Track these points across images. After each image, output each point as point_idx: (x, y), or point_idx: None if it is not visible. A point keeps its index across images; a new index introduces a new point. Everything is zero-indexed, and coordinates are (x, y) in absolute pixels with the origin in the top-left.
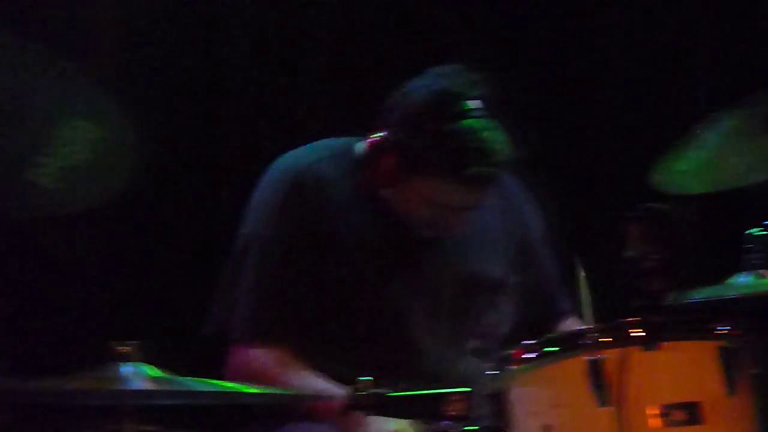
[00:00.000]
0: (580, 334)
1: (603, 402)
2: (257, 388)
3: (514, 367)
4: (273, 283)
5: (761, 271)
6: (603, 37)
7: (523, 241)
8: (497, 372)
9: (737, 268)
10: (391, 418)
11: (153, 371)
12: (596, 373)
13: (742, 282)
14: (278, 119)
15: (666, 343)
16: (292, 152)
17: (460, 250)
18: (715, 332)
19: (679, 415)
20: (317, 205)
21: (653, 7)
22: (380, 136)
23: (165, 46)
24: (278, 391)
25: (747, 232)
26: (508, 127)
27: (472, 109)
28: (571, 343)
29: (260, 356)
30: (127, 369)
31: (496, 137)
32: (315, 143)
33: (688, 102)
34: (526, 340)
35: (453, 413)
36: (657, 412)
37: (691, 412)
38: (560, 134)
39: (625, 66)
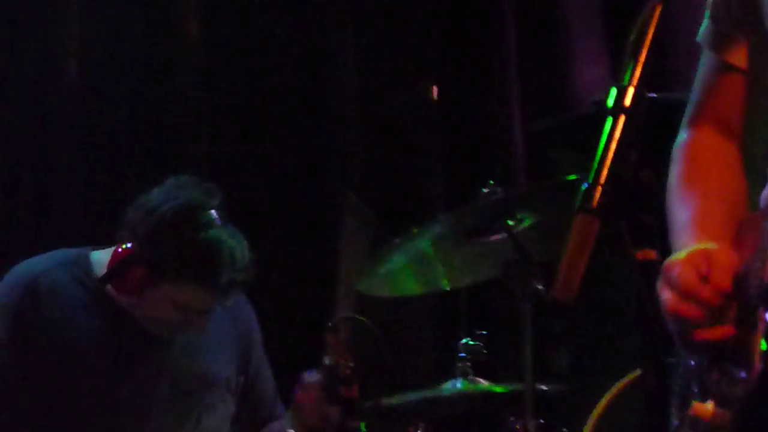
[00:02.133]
0: None
1: None
2: None
3: None
4: (6, 385)
5: (471, 377)
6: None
7: (248, 347)
8: None
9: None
10: None
11: None
12: None
13: (453, 386)
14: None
15: None
16: (28, 260)
17: (192, 348)
18: None
19: None
20: (50, 309)
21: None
22: (126, 248)
23: None
24: None
25: (460, 341)
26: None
27: (213, 219)
28: None
29: None
30: None
31: (240, 244)
32: (51, 252)
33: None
34: None
35: None
36: None
37: None
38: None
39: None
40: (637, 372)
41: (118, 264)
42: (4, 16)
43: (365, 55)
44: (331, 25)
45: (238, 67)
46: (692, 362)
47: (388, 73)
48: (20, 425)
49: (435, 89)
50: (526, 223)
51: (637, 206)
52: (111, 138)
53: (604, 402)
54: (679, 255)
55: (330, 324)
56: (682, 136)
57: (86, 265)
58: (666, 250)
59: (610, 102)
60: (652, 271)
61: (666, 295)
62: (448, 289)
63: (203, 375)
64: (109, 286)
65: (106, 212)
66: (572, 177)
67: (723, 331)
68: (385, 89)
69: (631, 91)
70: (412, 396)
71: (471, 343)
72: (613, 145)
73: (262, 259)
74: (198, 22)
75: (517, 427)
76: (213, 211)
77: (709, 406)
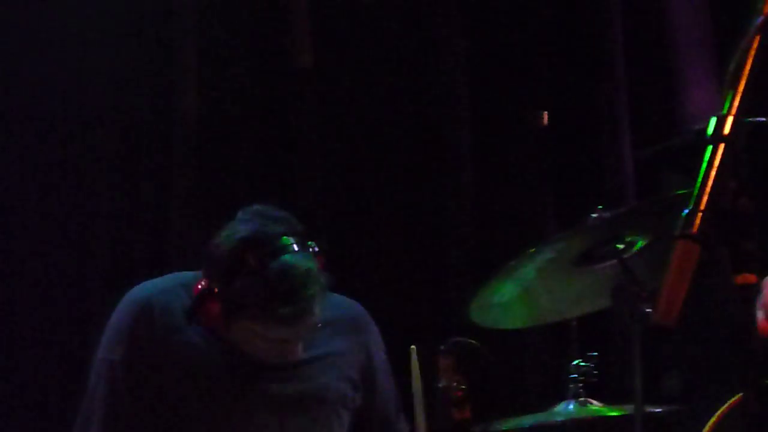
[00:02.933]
0: None
1: None
2: None
3: None
4: (121, 403)
5: (583, 398)
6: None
7: (367, 365)
8: None
9: (563, 397)
10: None
11: None
12: None
13: (566, 409)
14: None
15: None
16: (144, 282)
17: (303, 369)
18: None
19: None
20: (163, 331)
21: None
22: (202, 284)
23: None
24: None
25: (571, 362)
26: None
27: (278, 248)
28: None
29: None
30: None
31: (304, 270)
32: (168, 275)
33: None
34: None
35: None
36: None
37: None
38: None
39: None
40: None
41: (195, 301)
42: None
43: (476, 81)
44: (443, 50)
45: (349, 94)
46: None
47: (498, 100)
48: None
49: (545, 115)
50: (637, 247)
51: (737, 233)
52: (228, 163)
53: (710, 425)
54: None
55: (443, 347)
56: None
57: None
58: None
59: (710, 131)
60: (750, 294)
61: (759, 315)
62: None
63: (315, 392)
64: None
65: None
66: (681, 192)
67: None
68: (495, 115)
69: (730, 120)
70: (525, 419)
71: (582, 364)
72: (713, 173)
73: (377, 279)
74: (310, 54)
75: None
76: (280, 238)
77: None
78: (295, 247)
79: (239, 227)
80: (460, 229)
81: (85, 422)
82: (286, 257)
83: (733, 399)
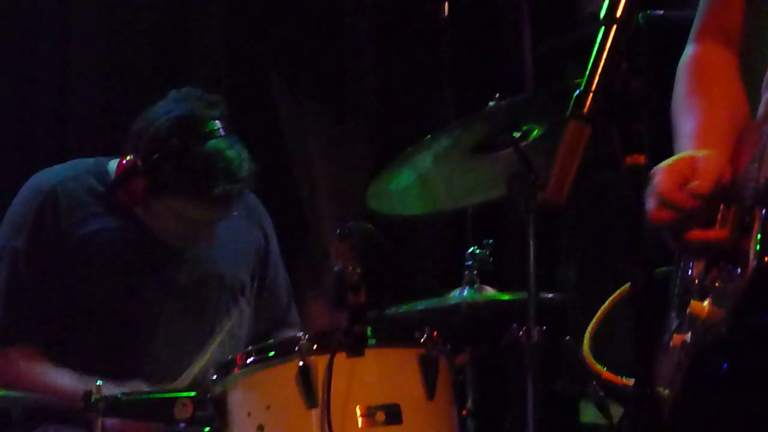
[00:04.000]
0: (292, 340)
1: (311, 404)
2: (7, 391)
3: (235, 371)
4: (22, 291)
5: (477, 285)
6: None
7: (264, 252)
8: (219, 376)
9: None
10: None
11: None
12: (305, 377)
13: (460, 295)
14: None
15: (370, 350)
16: (46, 169)
17: (206, 254)
18: (417, 341)
19: (381, 416)
20: (68, 218)
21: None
22: (128, 160)
23: None
24: (24, 394)
25: (467, 250)
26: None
27: (213, 130)
28: (285, 349)
29: (11, 359)
30: None
31: (238, 155)
32: (70, 162)
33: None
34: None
35: (181, 416)
36: (360, 413)
37: (393, 413)
38: None
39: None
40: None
41: (120, 176)
42: None
43: None
44: None
45: None
46: (690, 264)
47: None
48: (35, 331)
49: (446, 5)
50: (533, 136)
51: (628, 114)
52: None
53: (601, 311)
54: (664, 163)
55: (339, 231)
56: (688, 50)
57: (103, 174)
58: (657, 161)
59: (602, 13)
60: (641, 177)
61: (649, 203)
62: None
63: (217, 280)
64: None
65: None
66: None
67: (716, 234)
68: (396, 4)
69: (622, 1)
70: (419, 305)
71: (478, 251)
72: (605, 54)
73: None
74: None
75: (521, 334)
76: (213, 122)
77: (706, 304)
78: (227, 132)
79: (174, 106)
80: (358, 117)
81: None
82: (221, 140)
83: (622, 289)
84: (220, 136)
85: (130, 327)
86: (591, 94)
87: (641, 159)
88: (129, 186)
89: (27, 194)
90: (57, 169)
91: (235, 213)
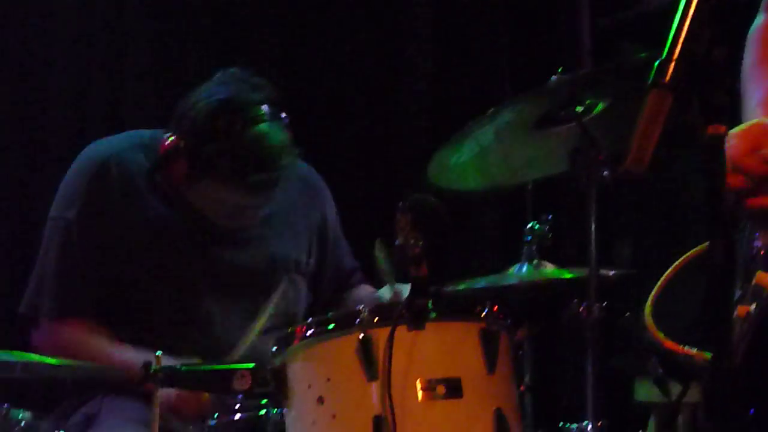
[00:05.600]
0: (353, 313)
1: (371, 376)
2: (63, 360)
3: (295, 343)
4: (75, 262)
5: (537, 261)
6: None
7: (322, 227)
8: (279, 348)
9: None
10: None
11: None
12: (366, 349)
13: (519, 272)
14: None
15: (431, 323)
16: (101, 140)
17: (257, 233)
18: (478, 315)
19: (441, 389)
20: (120, 191)
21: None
22: (171, 141)
23: None
24: (81, 364)
25: (526, 225)
26: (292, 125)
27: (256, 116)
28: (345, 322)
29: (66, 330)
30: None
31: (278, 141)
32: (125, 133)
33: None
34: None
35: (240, 387)
36: (420, 386)
37: (453, 386)
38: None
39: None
40: (703, 246)
41: (161, 156)
42: None
43: None
44: None
45: None
46: (756, 235)
47: None
48: (89, 304)
49: None
50: (596, 111)
51: (710, 83)
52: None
53: (662, 280)
54: (736, 129)
55: (401, 204)
56: (758, 20)
57: (155, 149)
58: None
59: None
60: (720, 145)
61: None
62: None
63: (268, 259)
64: None
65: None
66: (643, 56)
67: None
68: None
69: None
70: (479, 281)
71: (537, 227)
72: (687, 22)
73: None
74: None
75: (581, 309)
76: (257, 107)
77: None
78: (271, 116)
79: (217, 89)
80: (420, 95)
81: (39, 281)
82: (263, 126)
83: (684, 257)
84: (263, 121)
85: (179, 304)
86: (673, 63)
87: (722, 129)
88: (171, 167)
89: (80, 166)
90: (110, 140)
91: (293, 192)
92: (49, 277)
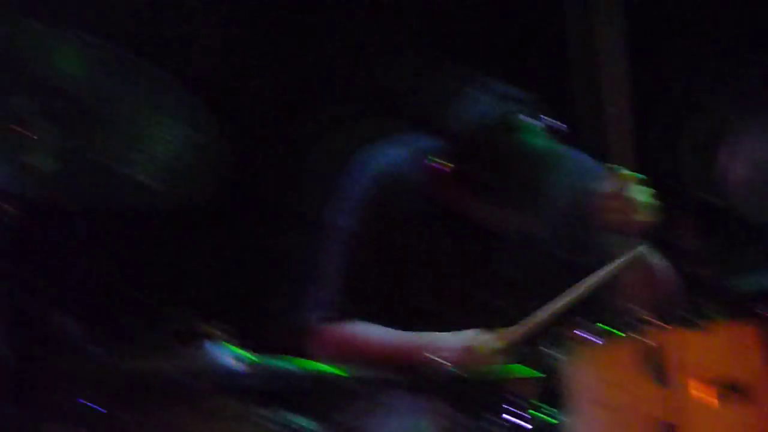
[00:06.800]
0: (635, 316)
1: (658, 379)
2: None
3: (577, 347)
4: (353, 270)
5: None
6: None
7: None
8: (557, 352)
9: None
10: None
11: (239, 352)
12: (650, 352)
13: None
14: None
15: (719, 325)
16: (377, 149)
17: (534, 239)
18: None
19: (728, 393)
20: (395, 204)
21: None
22: (439, 164)
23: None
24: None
25: None
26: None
27: (525, 132)
28: (629, 325)
29: (348, 331)
30: (215, 349)
31: (548, 155)
32: (399, 140)
33: None
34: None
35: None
36: (710, 391)
37: (741, 391)
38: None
39: None
40: None
41: (431, 180)
42: None
43: None
44: None
45: None
46: None
47: None
48: (363, 310)
49: None
50: None
51: None
52: None
53: None
54: None
55: (682, 203)
56: None
57: (434, 167)
58: None
59: None
60: None
61: None
62: None
63: (540, 258)
64: None
65: None
66: None
67: None
68: None
69: None
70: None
71: None
72: None
73: None
74: None
75: None
76: (526, 123)
77: None
78: (536, 127)
79: (476, 106)
80: None
81: (315, 288)
82: (530, 138)
83: None
84: (533, 132)
85: (451, 319)
86: None
87: None
88: (445, 190)
89: (358, 176)
90: (387, 149)
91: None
92: (328, 283)
